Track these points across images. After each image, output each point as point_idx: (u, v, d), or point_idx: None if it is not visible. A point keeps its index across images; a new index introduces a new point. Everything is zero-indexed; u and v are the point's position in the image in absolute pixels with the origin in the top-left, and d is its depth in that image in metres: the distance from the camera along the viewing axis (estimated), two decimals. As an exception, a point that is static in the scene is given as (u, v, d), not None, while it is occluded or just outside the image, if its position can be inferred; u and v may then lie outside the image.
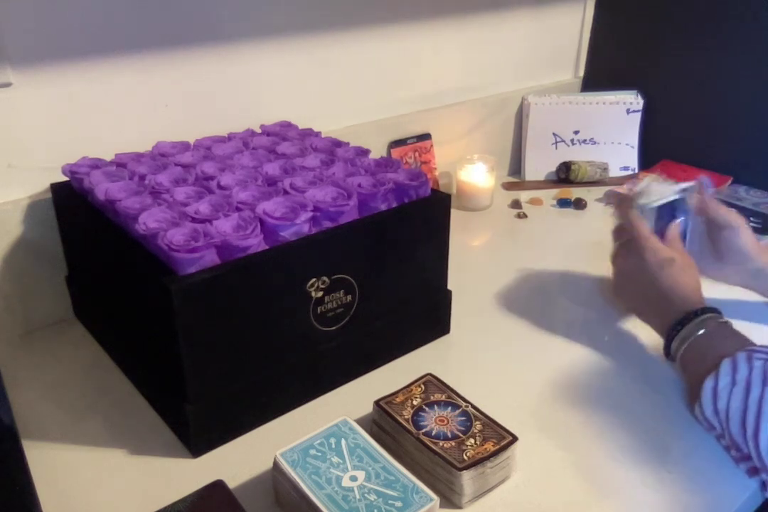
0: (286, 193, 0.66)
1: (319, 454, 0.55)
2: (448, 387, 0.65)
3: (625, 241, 0.77)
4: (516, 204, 1.18)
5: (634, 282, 0.75)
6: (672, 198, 0.78)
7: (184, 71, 0.84)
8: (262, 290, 0.60)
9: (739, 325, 0.68)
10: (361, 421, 0.64)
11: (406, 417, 0.61)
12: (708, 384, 0.62)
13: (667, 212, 0.78)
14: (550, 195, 1.21)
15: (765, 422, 0.57)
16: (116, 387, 0.72)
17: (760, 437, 0.57)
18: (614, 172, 1.27)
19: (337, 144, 0.80)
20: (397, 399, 0.63)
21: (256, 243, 0.59)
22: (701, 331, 0.67)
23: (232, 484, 0.56)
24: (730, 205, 1.10)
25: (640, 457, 0.62)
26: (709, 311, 0.69)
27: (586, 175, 1.24)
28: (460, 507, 0.57)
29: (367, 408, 0.64)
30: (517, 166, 1.32)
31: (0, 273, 0.77)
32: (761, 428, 0.57)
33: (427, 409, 0.62)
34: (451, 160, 1.17)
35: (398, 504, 0.50)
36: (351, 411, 0.65)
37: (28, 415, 0.67)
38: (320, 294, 0.65)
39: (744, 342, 0.65)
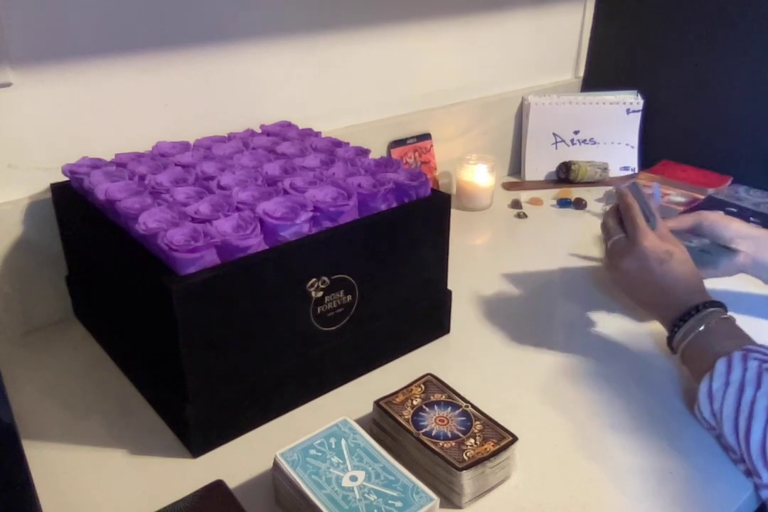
0: (286, 193, 0.66)
1: (319, 454, 0.55)
2: (448, 387, 0.65)
3: (619, 238, 0.76)
4: (516, 204, 1.18)
5: (635, 278, 0.73)
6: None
7: (184, 71, 0.84)
8: (263, 290, 0.60)
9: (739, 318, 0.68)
10: (361, 421, 0.64)
11: (406, 417, 0.61)
12: (704, 385, 0.62)
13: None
14: (550, 195, 1.21)
15: (756, 424, 0.57)
16: (116, 387, 0.72)
17: (751, 439, 0.57)
18: (614, 172, 1.27)
19: (337, 144, 0.80)
20: (397, 399, 0.63)
21: (256, 243, 0.59)
22: (701, 328, 0.66)
23: (232, 484, 0.56)
24: (731, 205, 1.11)
25: (641, 458, 0.62)
26: (712, 305, 0.68)
27: (586, 175, 1.24)
28: (460, 507, 0.57)
29: (367, 408, 0.64)
30: (517, 166, 1.32)
31: (0, 273, 0.77)
32: (752, 430, 0.57)
33: (427, 409, 0.62)
34: (451, 160, 1.17)
35: (398, 504, 0.50)
36: (351, 411, 0.65)
37: (28, 415, 0.67)
38: (320, 294, 0.65)
39: (742, 341, 0.65)
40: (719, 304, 0.68)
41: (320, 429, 0.57)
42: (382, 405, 0.62)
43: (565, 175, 1.25)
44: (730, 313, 0.68)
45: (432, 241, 0.74)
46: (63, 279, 0.82)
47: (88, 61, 0.77)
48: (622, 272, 0.74)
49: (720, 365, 0.61)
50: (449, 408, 0.62)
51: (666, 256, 0.71)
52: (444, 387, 0.65)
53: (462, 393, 0.64)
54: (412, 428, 0.59)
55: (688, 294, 0.70)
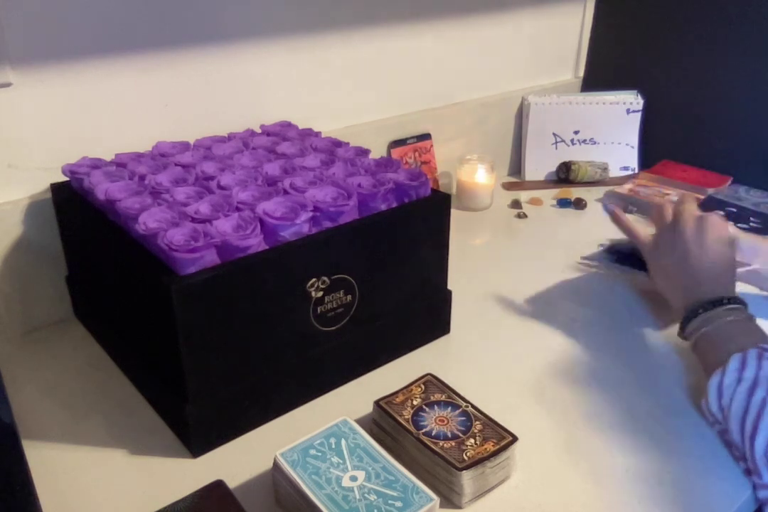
0: (286, 193, 0.66)
1: (319, 454, 0.55)
2: (448, 387, 0.65)
3: (693, 208, 0.75)
4: (516, 204, 1.18)
5: (687, 247, 0.72)
6: None
7: (184, 71, 0.84)
8: (262, 290, 0.60)
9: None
10: (361, 421, 0.64)
11: (406, 417, 0.61)
12: (714, 379, 0.62)
13: None
14: (550, 195, 1.21)
15: (763, 425, 0.57)
16: (116, 387, 0.72)
17: (756, 440, 0.57)
18: (614, 172, 1.27)
19: (337, 144, 0.80)
20: (397, 399, 0.63)
21: (256, 243, 0.59)
22: (721, 320, 0.66)
23: (232, 484, 0.56)
24: (730, 205, 1.11)
25: (641, 457, 0.62)
26: (739, 302, 0.67)
27: (586, 175, 1.24)
28: (460, 507, 0.57)
29: (367, 408, 0.64)
30: (517, 166, 1.32)
31: (0, 273, 0.77)
32: (758, 431, 0.57)
33: (427, 409, 0.62)
34: (451, 160, 1.17)
35: (398, 504, 0.50)
36: (351, 411, 0.65)
37: (28, 415, 0.67)
38: (320, 294, 0.65)
39: (759, 338, 0.64)
40: (744, 303, 0.68)
41: (320, 429, 0.57)
42: (382, 405, 0.62)
43: (565, 175, 1.25)
44: (751, 313, 0.68)
45: (432, 241, 0.74)
46: (63, 279, 0.82)
47: (88, 61, 0.77)
48: (678, 234, 0.73)
49: (734, 361, 0.61)
50: (449, 408, 0.62)
51: (728, 239, 0.71)
52: (444, 387, 0.65)
53: (462, 393, 0.64)
54: (412, 428, 0.59)
55: (720, 284, 0.69)
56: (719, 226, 0.72)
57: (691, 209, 0.76)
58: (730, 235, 0.72)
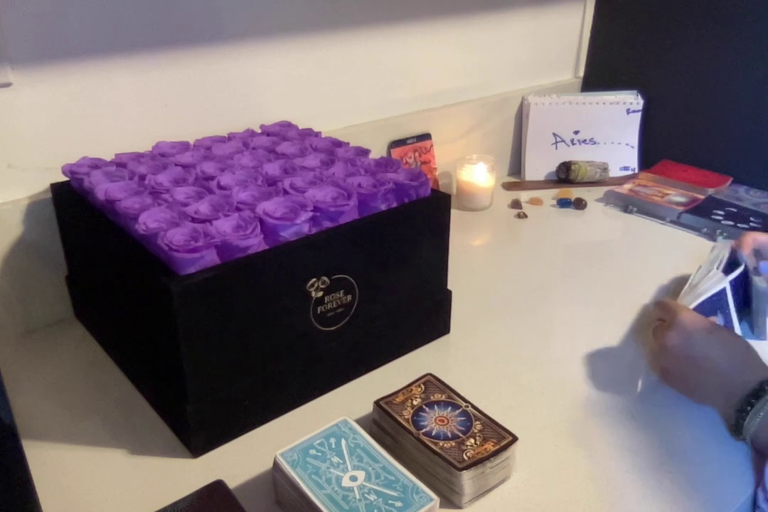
0: (286, 193, 0.66)
1: (319, 454, 0.55)
2: (448, 387, 0.65)
3: (657, 324, 0.70)
4: (516, 204, 1.18)
5: (683, 358, 0.65)
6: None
7: (184, 71, 0.84)
8: (262, 290, 0.60)
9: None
10: (361, 421, 0.64)
11: (406, 417, 0.61)
12: None
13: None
14: (550, 195, 1.22)
15: None
16: (116, 387, 0.72)
17: None
18: (614, 172, 1.27)
19: (337, 144, 0.80)
20: (397, 399, 0.63)
21: (256, 243, 0.59)
22: None
23: (232, 484, 0.56)
24: (730, 205, 1.11)
25: (640, 457, 0.62)
26: None
27: (586, 175, 1.24)
28: (460, 507, 0.57)
29: (367, 408, 0.64)
30: (517, 166, 1.32)
31: (0, 273, 0.77)
32: None
33: (427, 409, 0.62)
34: (451, 160, 1.17)
35: (398, 504, 0.50)
36: (351, 411, 0.65)
37: (28, 415, 0.67)
38: (320, 294, 0.65)
39: None
40: None
41: (320, 429, 0.57)
42: (382, 405, 0.62)
43: (565, 175, 1.25)
44: None
45: (432, 241, 0.74)
46: (63, 279, 0.82)
47: (88, 61, 0.77)
48: (667, 353, 0.66)
49: None
50: (449, 408, 0.62)
51: (711, 327, 0.65)
52: (444, 387, 0.65)
53: (462, 393, 0.64)
54: (412, 428, 0.59)
55: (749, 369, 0.62)
56: (693, 318, 0.66)
57: (659, 327, 0.70)
58: (711, 322, 0.66)
